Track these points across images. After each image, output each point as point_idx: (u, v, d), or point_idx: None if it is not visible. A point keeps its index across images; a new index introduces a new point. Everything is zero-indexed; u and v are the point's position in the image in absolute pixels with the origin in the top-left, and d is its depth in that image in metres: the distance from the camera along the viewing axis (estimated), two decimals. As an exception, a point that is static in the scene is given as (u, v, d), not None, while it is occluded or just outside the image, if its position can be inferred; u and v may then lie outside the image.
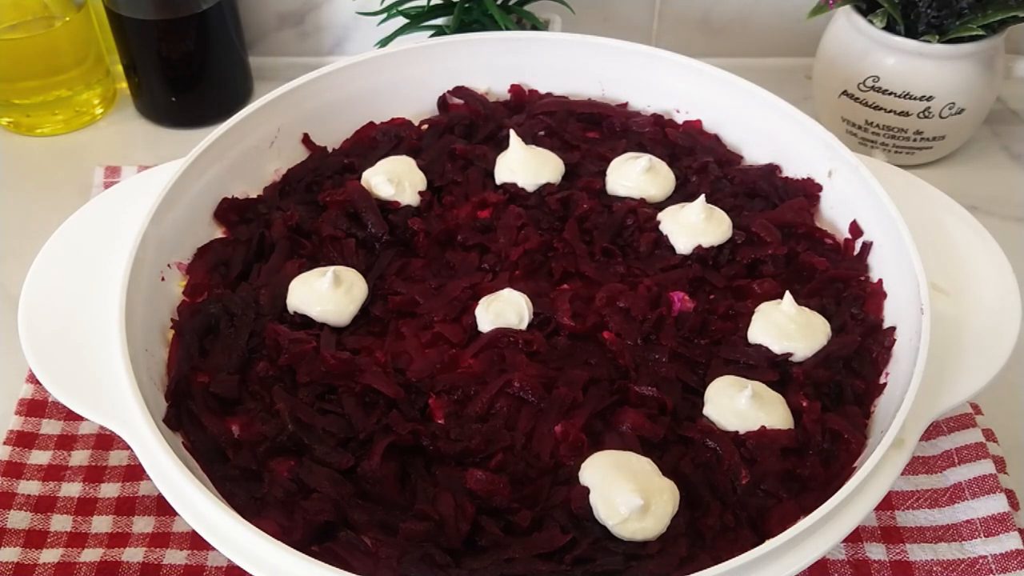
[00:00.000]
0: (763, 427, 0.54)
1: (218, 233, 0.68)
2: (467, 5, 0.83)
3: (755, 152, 0.73)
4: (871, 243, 0.64)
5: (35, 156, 0.91)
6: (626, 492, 0.50)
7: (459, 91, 0.77)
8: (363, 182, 0.69)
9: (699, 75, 0.73)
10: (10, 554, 0.59)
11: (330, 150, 0.74)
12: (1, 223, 0.84)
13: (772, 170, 0.71)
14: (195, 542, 0.60)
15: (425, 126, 0.76)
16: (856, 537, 0.60)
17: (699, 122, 0.75)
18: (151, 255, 0.61)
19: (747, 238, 0.65)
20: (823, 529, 0.48)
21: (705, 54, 0.76)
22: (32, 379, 0.68)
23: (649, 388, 0.57)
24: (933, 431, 0.64)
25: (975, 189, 0.84)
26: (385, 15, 0.85)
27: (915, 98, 0.81)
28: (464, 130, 0.74)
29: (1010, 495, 0.61)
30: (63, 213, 0.64)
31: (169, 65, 0.89)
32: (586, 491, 0.51)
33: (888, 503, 0.62)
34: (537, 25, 0.85)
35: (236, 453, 0.55)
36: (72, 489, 0.63)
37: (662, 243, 0.66)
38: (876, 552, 0.60)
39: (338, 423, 0.56)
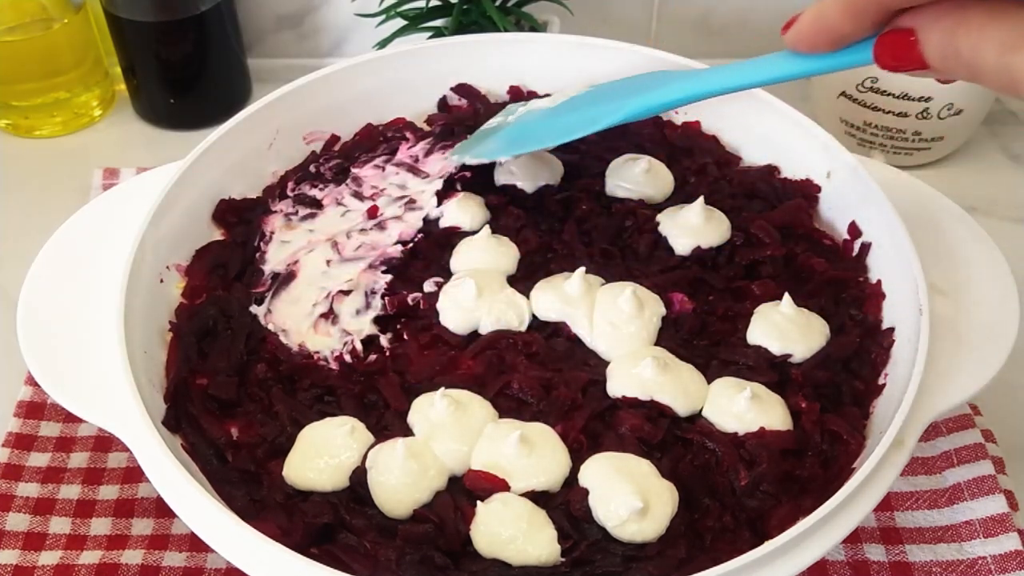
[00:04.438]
0: (762, 428, 0.54)
1: (217, 235, 0.68)
2: (465, 7, 0.83)
3: (754, 153, 0.73)
4: (870, 244, 0.64)
5: (34, 158, 0.91)
6: (625, 494, 0.50)
7: (461, 88, 0.77)
8: (362, 184, 0.69)
9: (698, 76, 0.73)
10: (9, 556, 0.59)
11: (329, 151, 0.74)
12: (0, 225, 0.84)
13: (771, 171, 0.71)
14: (194, 544, 0.60)
15: (427, 126, 0.76)
16: (855, 538, 0.60)
17: (698, 123, 0.75)
18: (150, 257, 0.61)
19: (746, 239, 0.65)
20: (822, 530, 0.48)
21: (704, 55, 0.76)
22: (31, 381, 0.68)
23: (648, 389, 0.57)
24: (932, 432, 0.64)
25: (973, 190, 0.84)
26: (384, 17, 0.85)
27: (913, 99, 0.81)
28: (466, 131, 0.74)
29: (1009, 496, 0.61)
30: (62, 215, 0.64)
31: (168, 67, 0.89)
32: (585, 493, 0.51)
33: (887, 504, 0.62)
34: (536, 26, 0.85)
35: (235, 455, 0.55)
36: (71, 491, 0.63)
37: (661, 244, 0.66)
38: (875, 553, 0.60)
39: (337, 425, 0.56)
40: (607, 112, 0.61)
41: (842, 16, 0.43)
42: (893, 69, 0.43)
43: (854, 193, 0.65)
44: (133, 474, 0.64)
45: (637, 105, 0.60)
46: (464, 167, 0.69)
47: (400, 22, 0.85)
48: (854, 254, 0.65)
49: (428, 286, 0.63)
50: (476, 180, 0.70)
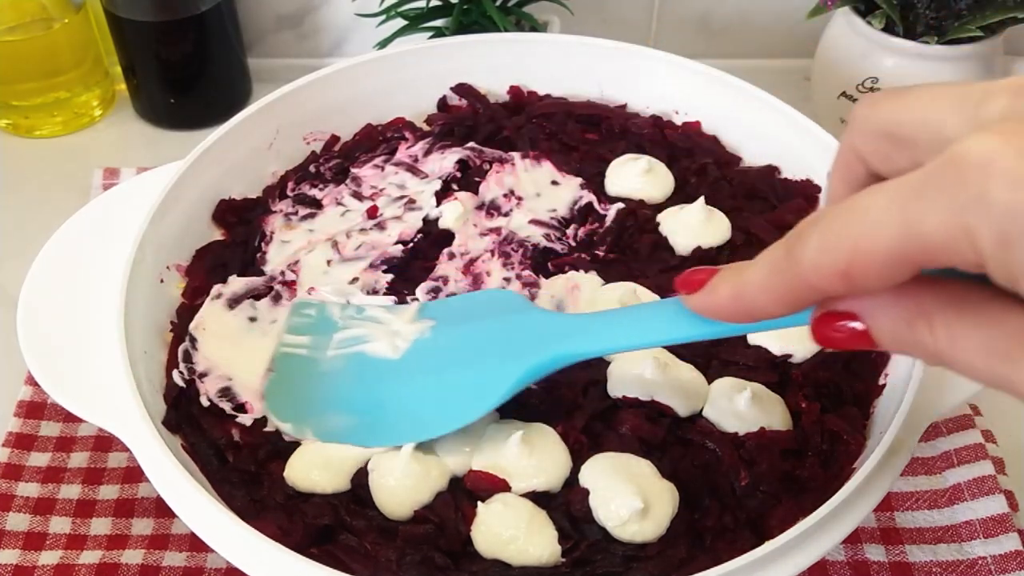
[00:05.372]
0: (762, 428, 0.54)
1: (217, 235, 0.68)
2: (466, 7, 0.83)
3: (754, 153, 0.73)
4: (870, 244, 0.64)
5: (34, 158, 0.91)
6: (626, 494, 0.50)
7: (461, 88, 0.77)
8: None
9: (698, 76, 0.73)
10: (9, 556, 0.59)
11: (329, 151, 0.74)
12: (0, 225, 0.84)
13: (771, 171, 0.71)
14: (194, 544, 0.60)
15: (427, 126, 0.76)
16: (855, 538, 0.60)
17: (698, 123, 0.75)
18: (150, 257, 0.61)
19: (746, 239, 0.65)
20: (822, 530, 0.48)
21: (704, 55, 0.76)
22: (31, 381, 0.68)
23: (648, 389, 0.57)
24: (932, 432, 0.64)
25: (974, 190, 0.84)
26: (384, 17, 0.85)
27: (914, 99, 0.81)
28: (465, 131, 0.74)
29: (1009, 496, 0.61)
30: (62, 215, 0.64)
31: (168, 67, 0.89)
32: (585, 493, 0.51)
33: (887, 504, 0.62)
34: (536, 26, 0.85)
35: (235, 455, 0.55)
36: (71, 491, 0.63)
37: (661, 245, 0.66)
38: (875, 553, 0.60)
39: (337, 425, 0.56)
40: (484, 389, 0.51)
41: (770, 301, 0.35)
42: (834, 348, 0.36)
43: (854, 193, 0.65)
44: (133, 474, 0.64)
45: (518, 377, 0.50)
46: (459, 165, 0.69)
47: (400, 22, 0.85)
48: (854, 254, 0.65)
49: (426, 288, 0.63)
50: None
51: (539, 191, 0.69)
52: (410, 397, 0.53)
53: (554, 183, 0.70)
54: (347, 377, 0.56)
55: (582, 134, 0.75)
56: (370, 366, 0.56)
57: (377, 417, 0.53)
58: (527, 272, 0.64)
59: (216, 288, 0.63)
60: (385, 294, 0.63)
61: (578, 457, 0.53)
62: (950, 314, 0.31)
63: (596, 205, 0.68)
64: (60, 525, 0.61)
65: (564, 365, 0.50)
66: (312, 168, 0.72)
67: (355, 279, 0.63)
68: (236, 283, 0.63)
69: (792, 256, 0.32)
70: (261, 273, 0.65)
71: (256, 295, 0.63)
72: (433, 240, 0.67)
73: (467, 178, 0.71)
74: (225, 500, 0.52)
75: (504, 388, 0.50)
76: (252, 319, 0.61)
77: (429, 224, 0.67)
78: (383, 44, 0.84)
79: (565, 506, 0.51)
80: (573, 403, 0.56)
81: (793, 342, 0.58)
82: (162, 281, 0.63)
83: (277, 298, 0.63)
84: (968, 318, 0.30)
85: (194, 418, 0.56)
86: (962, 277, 0.29)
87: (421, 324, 0.57)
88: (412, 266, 0.65)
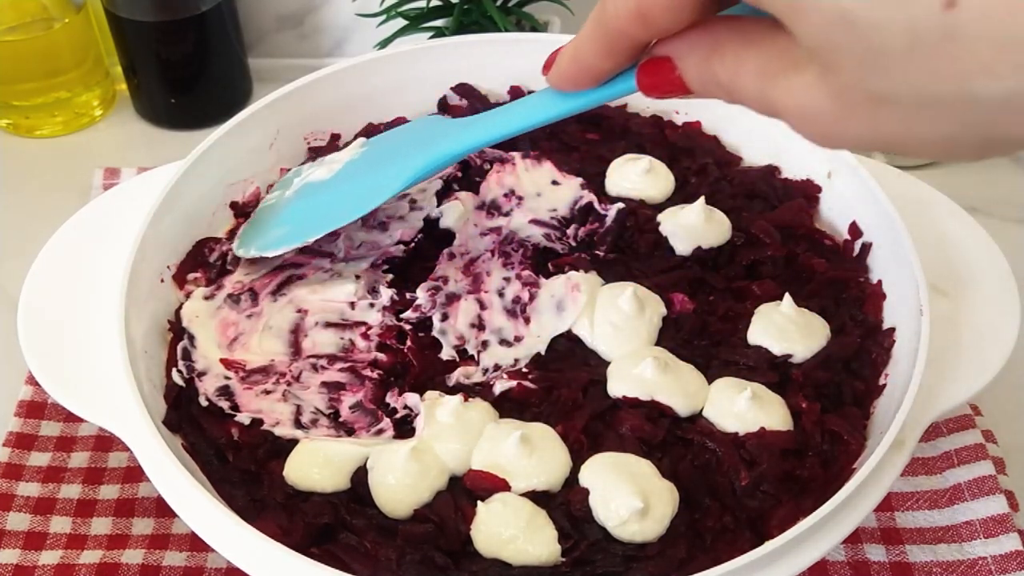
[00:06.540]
0: (763, 428, 0.54)
1: (218, 234, 0.68)
2: (466, 7, 0.83)
3: (754, 153, 0.73)
4: (870, 244, 0.64)
5: (34, 158, 0.91)
6: (626, 494, 0.50)
7: (461, 88, 0.77)
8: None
9: (698, 76, 0.73)
10: (9, 556, 0.59)
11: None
12: (0, 224, 0.84)
13: (771, 171, 0.71)
14: (194, 544, 0.60)
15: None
16: (856, 538, 0.60)
17: (698, 123, 0.75)
18: (150, 257, 0.61)
19: (746, 239, 0.65)
20: (823, 530, 0.48)
21: (704, 55, 0.76)
22: (31, 381, 0.68)
23: (649, 389, 0.57)
24: (932, 432, 0.64)
25: (975, 190, 0.84)
26: (384, 17, 0.85)
27: (914, 99, 0.81)
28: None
29: (1009, 496, 0.61)
30: (62, 215, 0.64)
31: (168, 67, 0.89)
32: (585, 493, 0.51)
33: (888, 504, 0.62)
34: (536, 27, 0.85)
35: (236, 455, 0.55)
36: (71, 491, 0.63)
37: (662, 244, 0.66)
38: (876, 553, 0.60)
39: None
40: (392, 177, 0.59)
41: (597, 55, 0.41)
42: (658, 96, 0.41)
43: (855, 193, 0.65)
44: (133, 474, 0.64)
45: (421, 166, 0.58)
46: (459, 167, 0.69)
47: (401, 22, 0.85)
48: (855, 254, 0.65)
49: (426, 287, 0.63)
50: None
51: (539, 191, 0.69)
52: (331, 199, 0.63)
53: (554, 183, 0.70)
54: (290, 202, 0.65)
55: (582, 134, 0.75)
56: (308, 189, 0.65)
57: (306, 221, 0.62)
58: (527, 272, 0.64)
59: (210, 288, 0.63)
60: (391, 284, 0.63)
61: (578, 457, 0.53)
62: (737, 43, 0.36)
63: (596, 205, 0.68)
64: (60, 525, 0.61)
65: (456, 158, 0.59)
66: (312, 168, 0.72)
67: (357, 277, 0.63)
68: (232, 279, 0.63)
69: (604, 8, 0.38)
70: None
71: (252, 289, 0.63)
72: (434, 240, 0.67)
73: (468, 178, 0.71)
74: (225, 500, 0.52)
75: (399, 183, 0.58)
76: (250, 316, 0.61)
77: (430, 224, 0.67)
78: (383, 44, 0.84)
79: (565, 506, 0.51)
80: (573, 403, 0.56)
81: (794, 342, 0.58)
82: (162, 281, 0.63)
83: (275, 292, 0.63)
84: (750, 46, 0.35)
85: (194, 418, 0.56)
86: (759, 15, 0.34)
87: (357, 151, 0.66)
88: (413, 266, 0.65)
